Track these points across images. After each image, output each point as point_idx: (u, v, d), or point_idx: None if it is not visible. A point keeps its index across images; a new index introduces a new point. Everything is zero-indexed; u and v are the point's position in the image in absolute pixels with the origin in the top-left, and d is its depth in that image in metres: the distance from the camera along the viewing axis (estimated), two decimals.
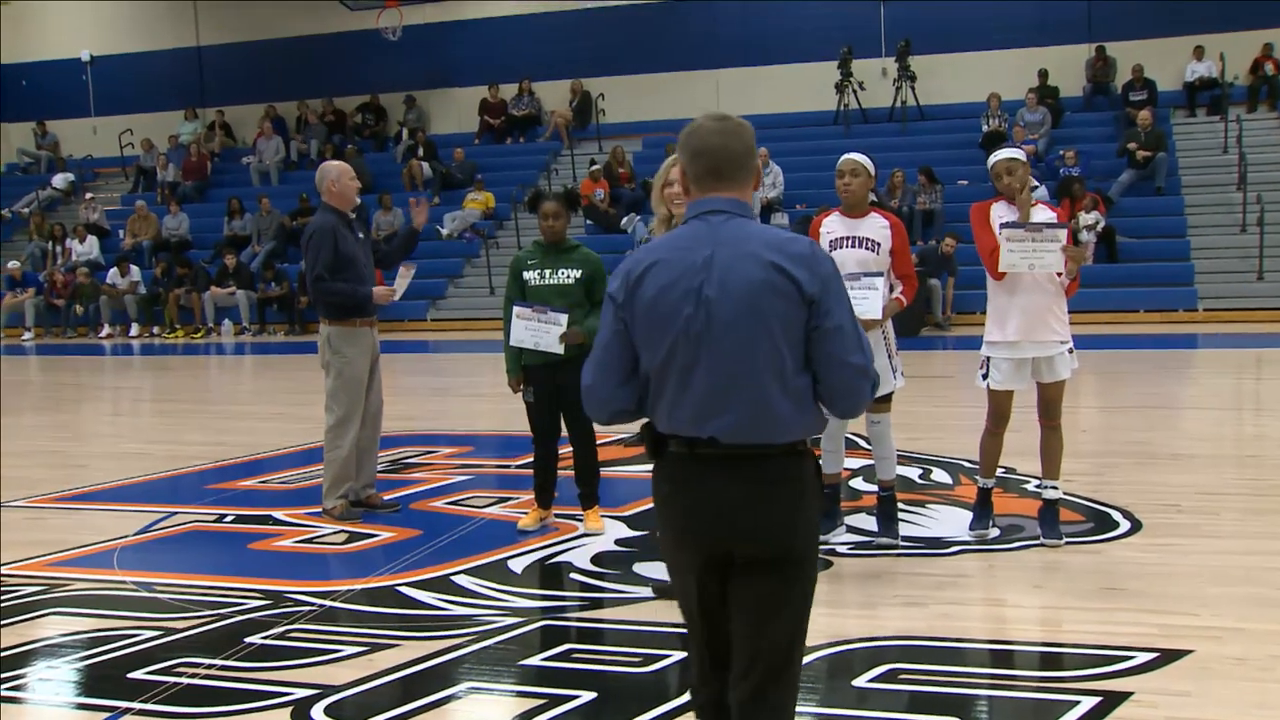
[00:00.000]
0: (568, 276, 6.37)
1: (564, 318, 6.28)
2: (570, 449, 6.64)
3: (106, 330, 21.42)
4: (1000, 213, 6.02)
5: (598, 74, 24.16)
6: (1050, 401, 6.01)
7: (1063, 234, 5.74)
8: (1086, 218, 17.15)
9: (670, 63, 23.85)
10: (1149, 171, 18.82)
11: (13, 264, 22.52)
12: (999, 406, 6.08)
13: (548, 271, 6.40)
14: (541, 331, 6.32)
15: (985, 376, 6.05)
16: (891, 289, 6.06)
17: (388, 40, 24.52)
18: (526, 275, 6.45)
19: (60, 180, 26.42)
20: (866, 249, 5.90)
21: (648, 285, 2.86)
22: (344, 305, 6.97)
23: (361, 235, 7.27)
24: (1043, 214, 5.97)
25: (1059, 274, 5.82)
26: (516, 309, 6.37)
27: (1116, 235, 17.66)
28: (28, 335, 21.61)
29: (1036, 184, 6.21)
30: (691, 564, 2.92)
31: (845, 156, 6.03)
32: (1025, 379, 6.01)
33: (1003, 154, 6.03)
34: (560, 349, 6.28)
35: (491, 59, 24.78)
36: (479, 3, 25.18)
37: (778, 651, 2.88)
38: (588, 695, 4.32)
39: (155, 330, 21.22)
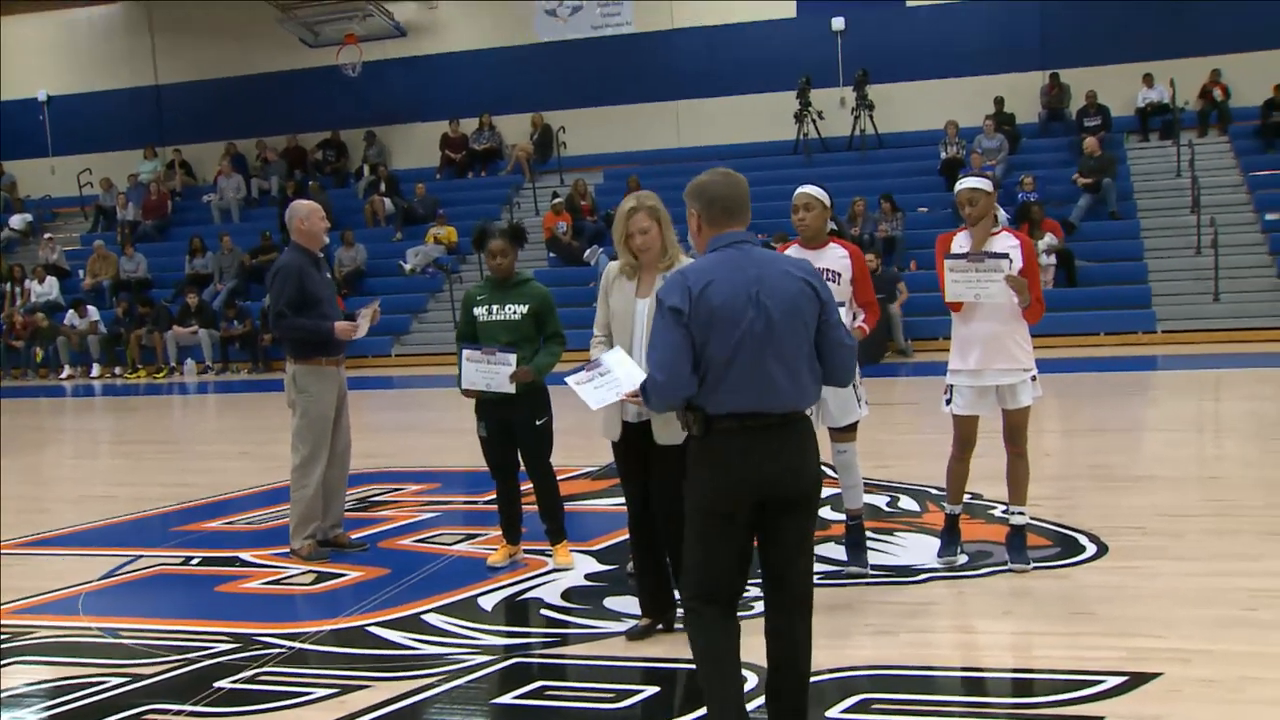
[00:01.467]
0: (515, 312, 6.40)
1: (513, 357, 6.30)
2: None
3: (67, 371, 21.22)
4: (961, 242, 6.09)
5: (558, 107, 24.26)
6: (1014, 428, 6.06)
7: (1004, 264, 5.78)
8: (1042, 242, 17.32)
9: (631, 94, 23.98)
10: (1101, 196, 19.07)
11: None
12: (964, 432, 6.13)
13: (495, 306, 6.43)
14: (491, 373, 6.34)
15: (949, 402, 6.10)
16: (855, 318, 6.11)
17: (348, 76, 24.56)
18: (477, 311, 6.48)
19: (18, 221, 26.20)
20: (828, 280, 5.92)
21: (712, 297, 3.68)
22: (308, 342, 6.95)
23: (329, 275, 7.28)
24: (1005, 241, 6.02)
25: (1016, 301, 5.86)
26: (466, 352, 6.39)
27: (1075, 259, 17.85)
28: None
29: (1002, 211, 6.25)
30: (737, 511, 3.72)
31: (799, 190, 6.07)
32: (989, 405, 6.07)
33: (966, 183, 6.08)
34: (511, 388, 6.30)
35: (452, 94, 24.83)
36: (438, 37, 25.23)
37: (807, 577, 3.85)
38: None
39: (117, 371, 21.03)
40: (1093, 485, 7.95)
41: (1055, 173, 20.18)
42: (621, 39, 24.17)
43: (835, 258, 6.03)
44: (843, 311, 5.79)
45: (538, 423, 6.49)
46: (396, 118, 25.51)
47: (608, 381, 5.15)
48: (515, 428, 6.47)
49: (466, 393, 6.47)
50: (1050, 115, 21.82)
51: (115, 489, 10.16)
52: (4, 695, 5.05)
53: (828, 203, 6.02)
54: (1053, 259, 17.45)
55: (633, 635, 5.30)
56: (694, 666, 4.90)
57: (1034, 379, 6.02)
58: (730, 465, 3.70)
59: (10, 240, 25.70)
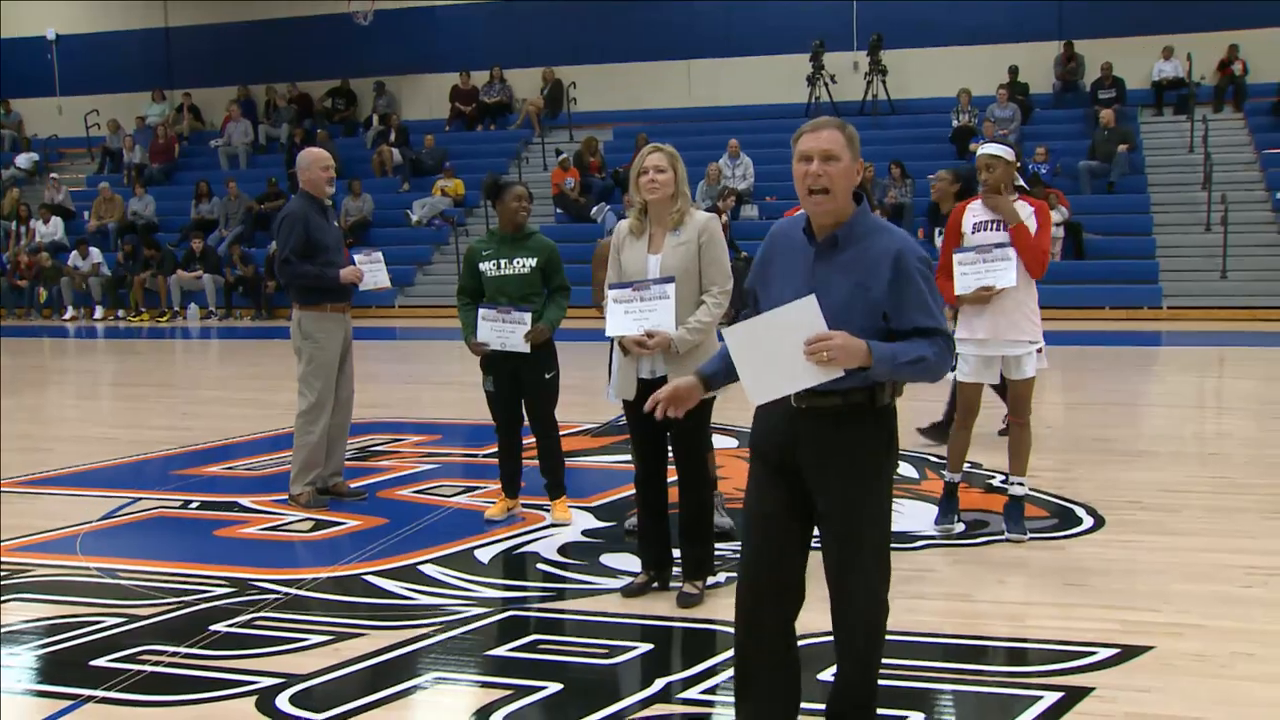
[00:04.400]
0: (524, 265, 6.38)
1: (528, 316, 6.30)
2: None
3: (70, 313, 21.22)
4: (975, 212, 6.08)
5: (570, 62, 24.12)
6: (1018, 398, 6.07)
7: (1012, 253, 5.82)
8: (1053, 214, 17.24)
9: (642, 52, 23.81)
10: (1113, 167, 18.98)
11: None
12: (967, 400, 6.13)
13: (503, 261, 6.41)
14: (507, 332, 6.34)
15: (953, 369, 6.09)
16: None
17: (360, 25, 24.35)
18: (483, 266, 6.44)
19: (24, 160, 26.11)
20: None
21: None
22: (313, 288, 6.95)
23: (336, 223, 7.27)
24: (1022, 210, 6.02)
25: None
26: (481, 310, 6.40)
27: (1084, 232, 17.77)
28: None
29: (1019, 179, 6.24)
30: None
31: None
32: (994, 375, 6.07)
33: (985, 149, 6.07)
34: (526, 348, 6.30)
35: (463, 46, 24.67)
36: None
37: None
38: (553, 686, 4.32)
39: (120, 313, 21.03)
40: (1093, 458, 7.94)
41: (1069, 144, 20.06)
42: None
43: None
44: None
45: (546, 376, 6.49)
46: (407, 68, 25.35)
47: (644, 310, 5.13)
48: (523, 381, 6.47)
49: (476, 349, 6.46)
50: (1064, 86, 21.66)
51: (115, 431, 10.18)
52: (3, 631, 5.07)
53: None
54: (1061, 231, 17.38)
55: (629, 591, 5.32)
56: (689, 625, 4.96)
57: (1040, 351, 6.02)
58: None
59: (16, 179, 25.61)
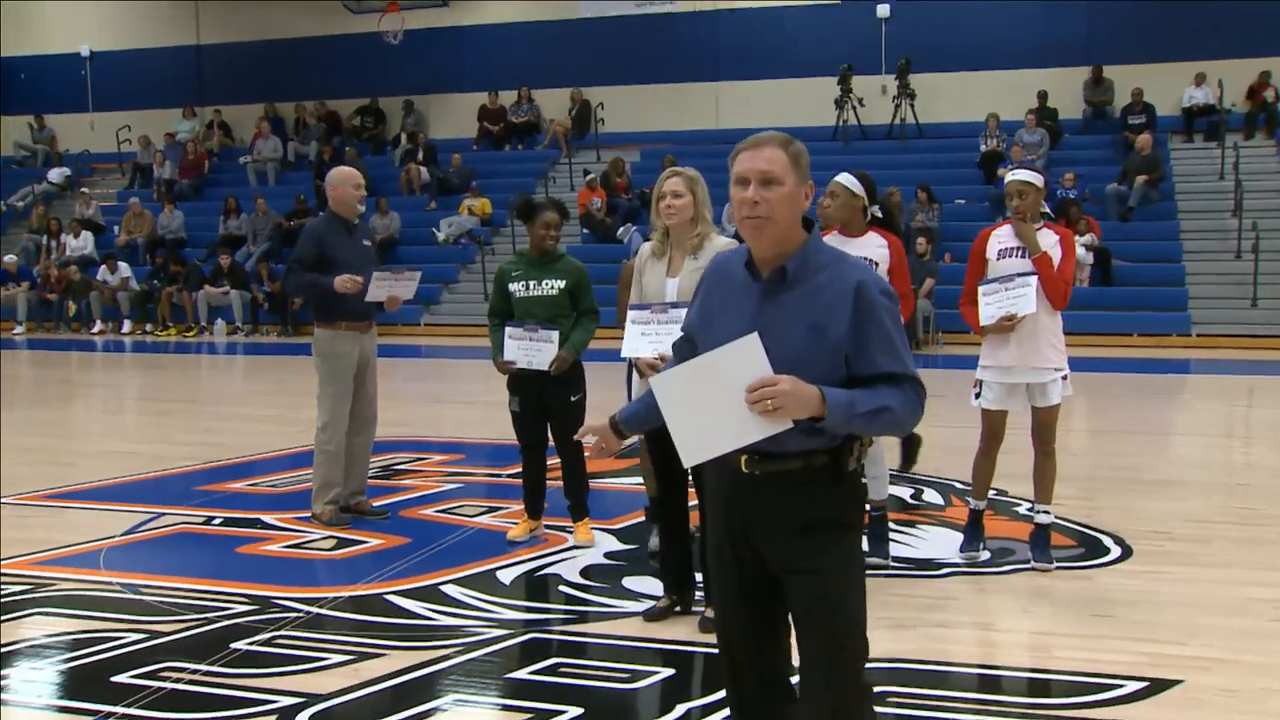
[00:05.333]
0: (552, 287, 6.39)
1: (555, 335, 6.31)
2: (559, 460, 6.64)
3: (99, 326, 21.35)
4: (1001, 238, 6.05)
5: (597, 83, 24.19)
6: (1043, 426, 6.02)
7: (1033, 280, 5.80)
8: (1080, 240, 17.16)
9: (670, 74, 23.87)
10: (1131, 193, 18.87)
11: (8, 258, 22.46)
12: (991, 427, 6.09)
13: (533, 282, 6.41)
14: (533, 350, 6.35)
15: (978, 396, 6.06)
16: None
17: (389, 44, 24.52)
18: (512, 287, 6.45)
19: (56, 175, 26.35)
20: None
21: None
22: (322, 303, 6.94)
23: (367, 243, 7.24)
24: (1047, 237, 5.99)
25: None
26: (508, 328, 6.42)
27: (1112, 258, 17.68)
28: (19, 329, 21.53)
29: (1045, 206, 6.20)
30: None
31: (834, 178, 6.08)
32: (1019, 401, 6.03)
33: (1017, 175, 6.04)
34: (550, 369, 6.30)
35: (492, 65, 24.77)
36: (480, 8, 25.16)
37: None
38: (574, 711, 4.29)
39: (148, 328, 21.14)
40: (1119, 487, 7.88)
41: (1097, 170, 19.98)
42: (664, 17, 24.05)
43: (873, 246, 5.99)
44: None
45: (572, 399, 6.49)
46: (436, 87, 25.47)
47: (660, 333, 5.11)
48: (549, 404, 6.47)
49: (503, 368, 6.47)
50: (1094, 112, 21.59)
51: (140, 445, 10.22)
52: (25, 645, 5.08)
53: (856, 191, 5.97)
54: (1090, 257, 17.29)
55: (651, 616, 5.29)
56: (710, 650, 4.92)
57: (1065, 378, 5.97)
58: None
59: (48, 194, 25.85)
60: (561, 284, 6.41)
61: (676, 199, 5.16)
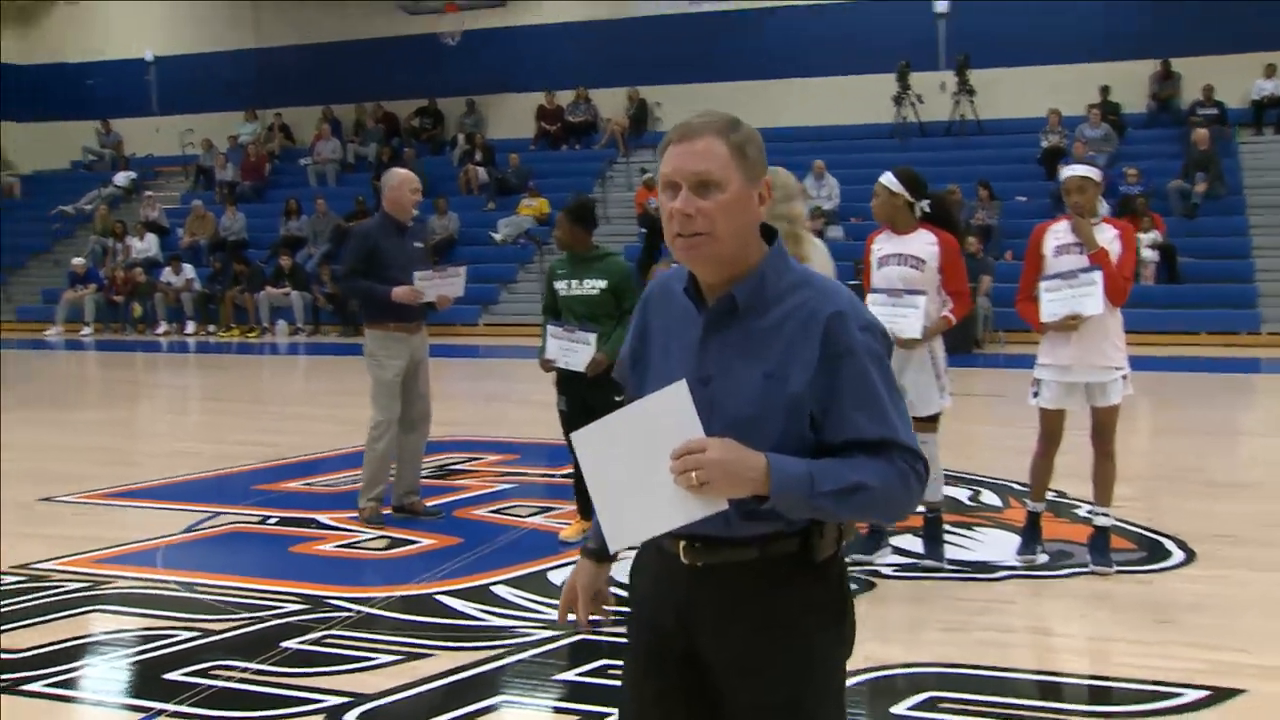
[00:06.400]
0: (593, 287, 6.41)
1: (593, 338, 6.31)
2: None
3: (163, 328, 21.66)
4: (1058, 234, 5.94)
5: (654, 82, 24.16)
6: (1103, 426, 5.89)
7: (1098, 275, 5.66)
8: (1145, 237, 16.88)
9: (727, 72, 23.76)
10: (1192, 191, 18.52)
11: (77, 260, 22.84)
12: (1050, 426, 5.98)
13: (574, 281, 6.46)
14: (571, 351, 6.38)
15: (1036, 395, 5.96)
16: (943, 305, 5.98)
17: (447, 45, 24.65)
18: (558, 285, 6.52)
19: (122, 178, 26.77)
20: (910, 266, 5.83)
21: None
22: (373, 305, 6.98)
23: (419, 244, 7.25)
24: (1106, 232, 5.87)
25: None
26: (550, 328, 6.47)
27: (1178, 255, 17.36)
28: (86, 330, 21.88)
29: (1104, 203, 6.09)
30: None
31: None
32: (1078, 401, 5.90)
33: (1075, 170, 5.92)
34: (586, 370, 6.29)
35: (549, 65, 24.83)
36: (537, 8, 25.24)
37: None
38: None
39: (211, 329, 21.41)
40: (1183, 489, 7.72)
41: (1162, 164, 19.63)
42: (720, 15, 23.96)
43: (922, 244, 5.91)
44: (923, 300, 5.71)
45: (616, 398, 6.45)
46: (493, 87, 25.58)
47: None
48: (594, 403, 6.45)
49: (545, 366, 6.48)
50: (1159, 106, 21.22)
51: (202, 445, 10.33)
52: (81, 642, 5.14)
53: (894, 189, 5.89)
54: (1155, 254, 17.00)
55: None
56: None
57: (1125, 377, 5.85)
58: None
59: (114, 197, 26.26)
60: (603, 284, 6.41)
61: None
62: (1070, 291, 5.74)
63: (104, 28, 28.60)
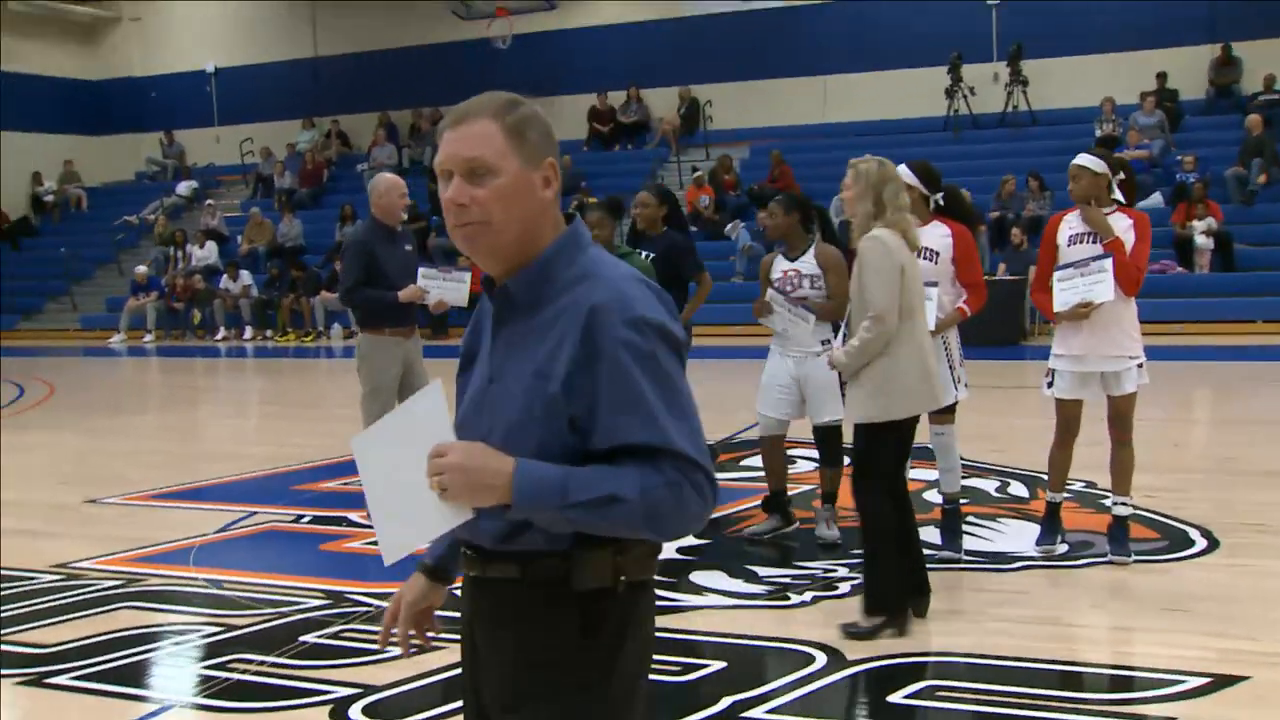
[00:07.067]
0: None
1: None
2: None
3: (222, 333, 22.06)
4: (1071, 224, 5.91)
5: (705, 80, 24.18)
6: (1119, 415, 5.85)
7: (1109, 263, 5.62)
8: (1200, 224, 16.62)
9: (778, 69, 23.75)
10: (1250, 176, 18.18)
11: (140, 268, 23.34)
12: (1066, 417, 5.94)
13: None
14: (449, 289, 6.62)
15: (1050, 385, 5.93)
16: (959, 297, 5.98)
17: (498, 48, 24.85)
18: None
19: (184, 187, 27.30)
20: (924, 258, 5.81)
21: None
22: (377, 311, 7.02)
23: (409, 248, 7.30)
24: (1120, 222, 5.82)
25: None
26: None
27: (1233, 243, 17.07)
28: (148, 337, 22.36)
29: (1118, 191, 6.01)
30: None
31: None
32: (1094, 391, 5.87)
33: (1076, 160, 5.90)
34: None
35: (600, 66, 24.94)
36: (587, 10, 25.36)
37: None
38: None
39: (268, 333, 21.77)
40: (1219, 478, 7.62)
41: (1221, 152, 19.28)
42: (770, 12, 23.93)
43: (937, 236, 5.92)
44: (935, 291, 5.71)
45: None
46: (545, 89, 25.65)
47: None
48: None
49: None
50: (1218, 92, 20.85)
51: (253, 448, 10.53)
52: (110, 636, 5.29)
53: (910, 182, 5.88)
54: (1210, 241, 16.72)
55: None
56: (766, 644, 4.90)
57: (1140, 366, 5.80)
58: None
59: (177, 206, 26.79)
60: None
61: (846, 192, 5.07)
62: (1082, 280, 5.71)
63: (167, 42, 29.21)
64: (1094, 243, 5.78)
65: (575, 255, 2.11)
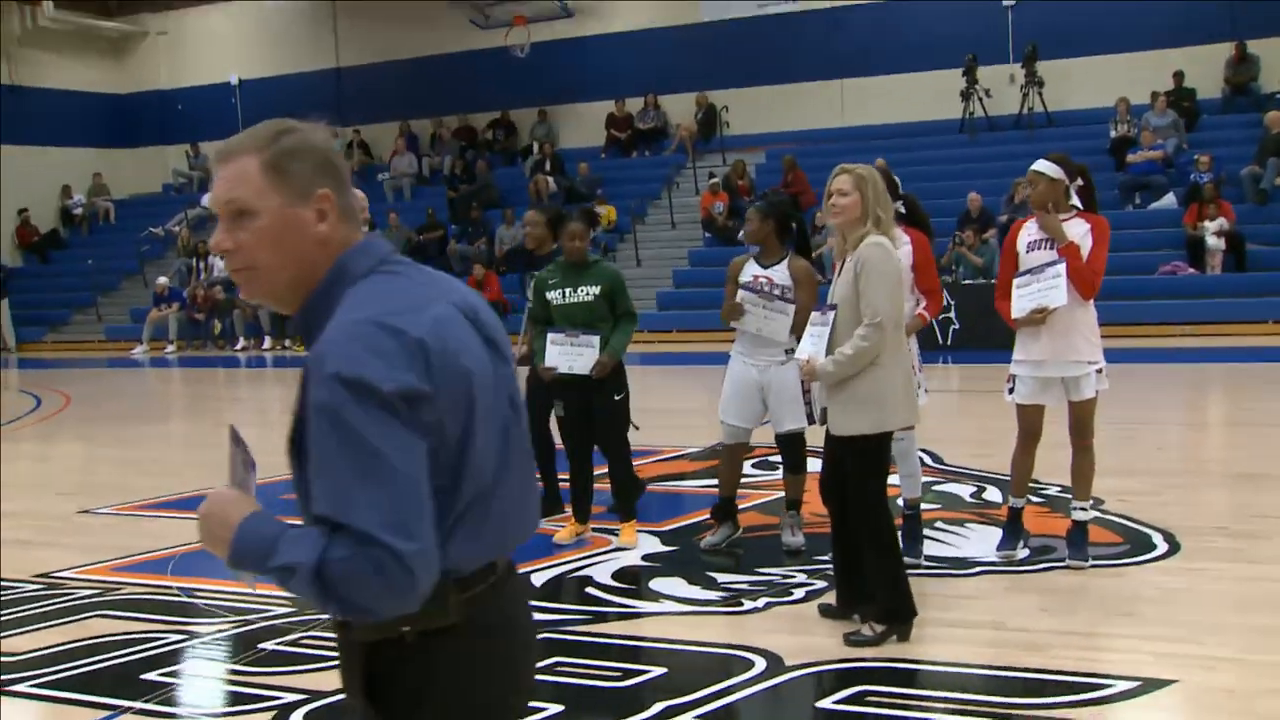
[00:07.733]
0: (588, 293, 6.51)
1: (596, 340, 6.44)
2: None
3: (241, 343, 22.31)
4: (1030, 231, 5.94)
5: (722, 86, 24.22)
6: (1079, 421, 5.87)
7: (1063, 269, 5.64)
8: (1211, 224, 16.51)
9: (793, 73, 23.76)
10: (1265, 174, 18.02)
11: (161, 280, 23.64)
12: (1027, 422, 5.97)
13: (568, 290, 6.55)
14: (574, 355, 6.49)
15: (1011, 391, 5.96)
16: (917, 304, 6.02)
17: (517, 57, 25.01)
18: (550, 295, 6.60)
19: (209, 199, 27.54)
20: None
21: (459, 350, 1.97)
22: None
23: None
24: (1077, 227, 5.85)
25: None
26: (550, 335, 6.55)
27: (1246, 243, 16.93)
28: (170, 348, 22.64)
29: (1076, 198, 6.03)
30: None
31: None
32: (1055, 396, 5.89)
33: (1033, 165, 5.93)
34: (592, 374, 6.42)
35: (618, 73, 25.04)
36: (604, 17, 25.47)
37: None
38: (555, 709, 4.38)
39: (286, 343, 21.98)
40: (1197, 481, 7.62)
41: (1237, 151, 19.13)
42: (785, 17, 23.94)
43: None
44: None
45: (616, 398, 6.62)
46: (563, 97, 25.87)
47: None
48: (593, 403, 6.60)
49: (545, 373, 6.61)
50: (1234, 90, 20.68)
51: (257, 456, 10.63)
52: (77, 644, 5.41)
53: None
54: (1221, 242, 16.60)
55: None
56: (710, 650, 4.96)
57: (1100, 371, 5.81)
58: (509, 652, 2.09)
59: (201, 218, 27.08)
60: (596, 290, 6.53)
61: (842, 197, 4.98)
62: (1037, 285, 5.74)
63: (192, 56, 29.57)
64: (1051, 248, 5.81)
65: (339, 292, 1.97)
